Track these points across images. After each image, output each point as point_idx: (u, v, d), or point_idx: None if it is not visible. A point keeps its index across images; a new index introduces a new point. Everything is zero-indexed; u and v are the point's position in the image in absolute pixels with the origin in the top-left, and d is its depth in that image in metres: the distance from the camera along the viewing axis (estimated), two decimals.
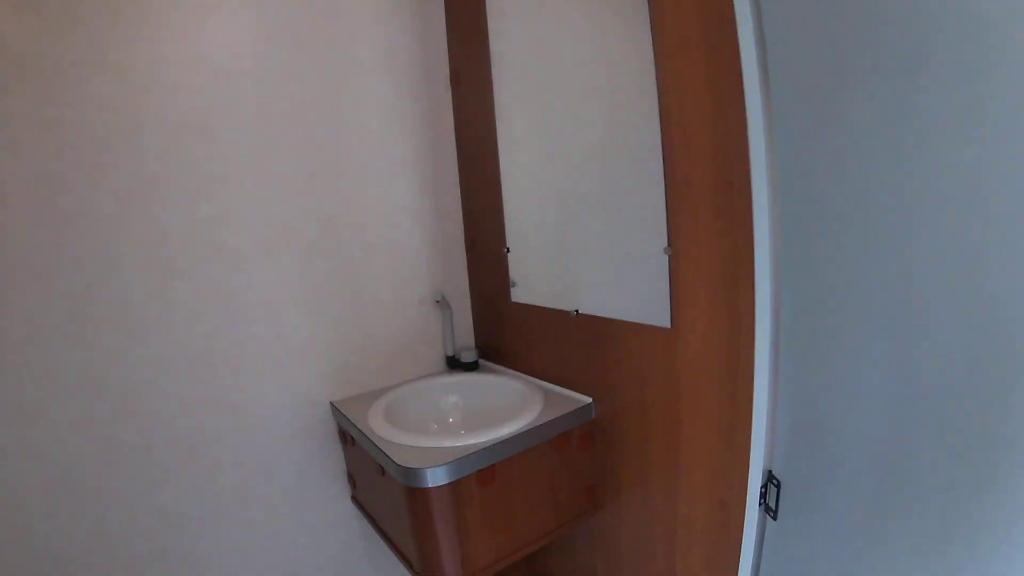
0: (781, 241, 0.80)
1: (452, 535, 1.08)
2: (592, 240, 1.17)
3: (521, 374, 1.48)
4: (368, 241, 1.48)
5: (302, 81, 1.35)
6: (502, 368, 1.55)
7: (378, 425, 1.22)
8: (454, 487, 1.06)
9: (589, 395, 1.26)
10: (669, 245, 0.98)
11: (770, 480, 0.87)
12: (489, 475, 1.11)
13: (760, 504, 0.89)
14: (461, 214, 1.63)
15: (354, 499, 1.51)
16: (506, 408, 1.33)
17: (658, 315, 1.04)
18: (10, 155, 1.08)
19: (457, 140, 1.59)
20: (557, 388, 1.36)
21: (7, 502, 1.10)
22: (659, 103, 0.97)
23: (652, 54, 0.97)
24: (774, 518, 0.88)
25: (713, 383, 0.96)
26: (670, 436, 1.07)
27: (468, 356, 1.57)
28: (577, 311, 1.23)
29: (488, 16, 1.36)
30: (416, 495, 1.04)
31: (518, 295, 1.44)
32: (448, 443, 1.10)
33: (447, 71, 1.57)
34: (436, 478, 1.03)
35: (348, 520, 1.55)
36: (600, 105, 1.11)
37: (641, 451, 1.15)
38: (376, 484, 1.27)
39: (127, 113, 1.17)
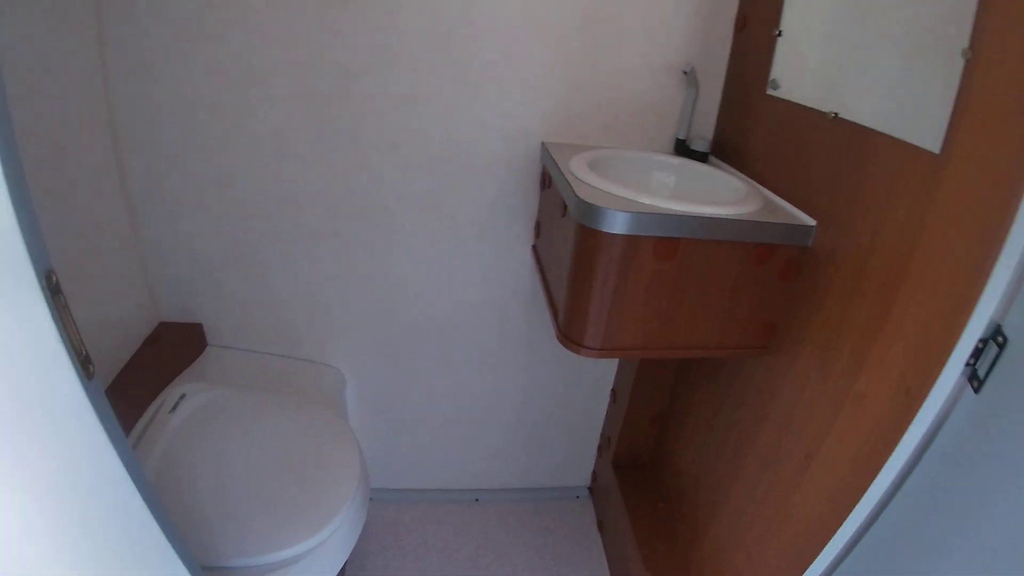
0: None
1: (607, 296, 1.01)
2: (874, 26, 0.90)
3: (749, 179, 1.24)
4: None
5: None
6: (731, 169, 1.32)
7: (578, 167, 1.13)
8: (629, 242, 0.96)
9: (815, 219, 1.02)
10: (970, 48, 0.71)
11: (994, 337, 0.68)
12: (670, 249, 0.98)
13: (968, 364, 0.70)
14: None
15: (534, 249, 1.51)
16: (719, 203, 1.13)
17: (927, 135, 0.76)
18: None
19: None
20: (782, 202, 1.11)
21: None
22: None
23: None
24: (977, 390, 0.69)
25: (966, 236, 0.70)
26: (885, 295, 0.83)
27: (699, 145, 1.36)
28: (836, 114, 0.96)
29: None
30: (587, 235, 0.97)
31: (775, 89, 1.17)
32: (643, 199, 0.99)
33: None
34: (613, 223, 0.94)
35: (520, 266, 1.57)
36: None
37: (845, 304, 0.92)
38: (555, 226, 1.23)
39: None
